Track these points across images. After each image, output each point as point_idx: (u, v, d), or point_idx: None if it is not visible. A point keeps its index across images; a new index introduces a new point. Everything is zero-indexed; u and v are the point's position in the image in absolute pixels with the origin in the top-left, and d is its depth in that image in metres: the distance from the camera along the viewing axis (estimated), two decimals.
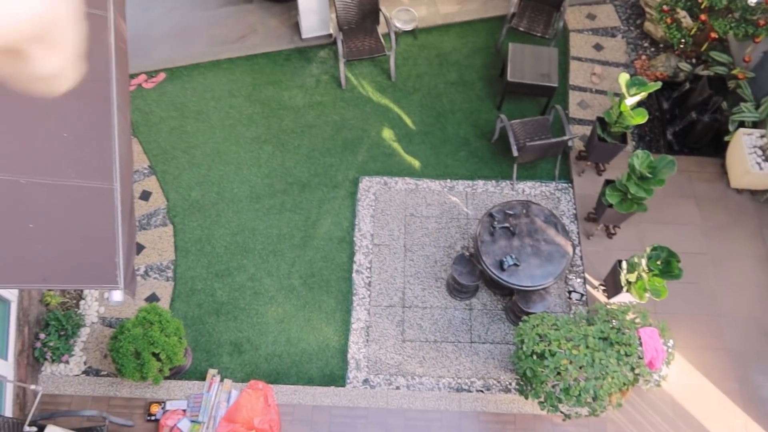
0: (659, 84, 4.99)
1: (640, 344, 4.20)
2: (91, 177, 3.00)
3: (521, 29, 6.21)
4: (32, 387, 4.14)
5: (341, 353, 5.08)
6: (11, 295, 4.58)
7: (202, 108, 6.17)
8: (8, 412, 4.40)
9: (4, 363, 4.40)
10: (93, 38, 3.33)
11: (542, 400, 4.25)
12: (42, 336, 4.85)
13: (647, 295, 4.64)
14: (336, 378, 4.99)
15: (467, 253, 5.15)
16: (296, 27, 6.60)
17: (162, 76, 6.33)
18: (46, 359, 4.86)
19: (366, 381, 4.97)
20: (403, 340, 5.14)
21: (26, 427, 4.07)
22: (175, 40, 6.56)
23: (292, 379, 4.98)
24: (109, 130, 3.15)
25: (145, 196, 5.70)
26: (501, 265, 4.80)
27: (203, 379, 4.92)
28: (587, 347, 4.11)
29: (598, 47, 6.62)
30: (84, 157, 3.03)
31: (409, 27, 6.56)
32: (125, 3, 3.77)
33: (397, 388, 4.95)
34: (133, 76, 6.27)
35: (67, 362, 4.92)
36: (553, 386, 4.23)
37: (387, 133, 6.09)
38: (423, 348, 5.11)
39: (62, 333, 4.92)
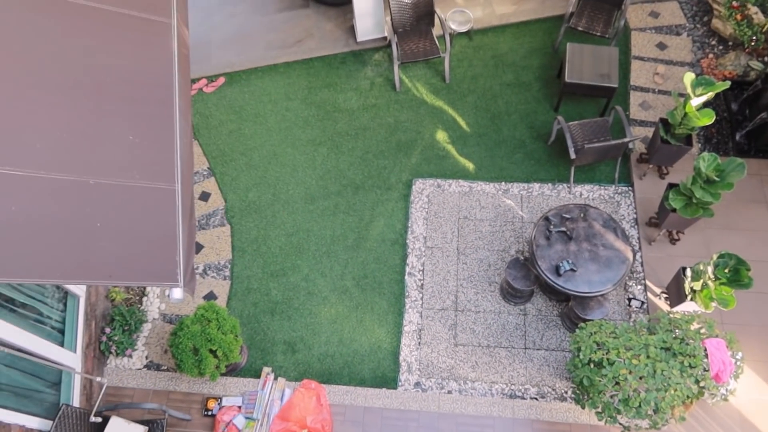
0: (728, 83, 4.76)
1: (706, 356, 4.01)
2: (154, 178, 3.11)
3: (580, 29, 6.05)
4: (98, 379, 4.34)
5: (393, 355, 5.08)
6: (80, 290, 4.81)
7: (260, 111, 6.31)
8: (76, 402, 4.61)
9: (73, 355, 4.62)
10: (157, 44, 3.46)
11: (600, 410, 4.11)
12: (107, 330, 5.06)
13: (713, 304, 4.42)
14: (387, 380, 4.99)
15: (522, 257, 5.05)
16: (351, 30, 6.66)
17: (222, 80, 6.51)
18: (110, 353, 5.08)
19: (417, 384, 4.95)
20: (456, 344, 5.09)
21: (92, 417, 4.27)
22: (234, 45, 6.74)
23: (344, 379, 5.01)
24: (172, 132, 3.27)
25: (205, 196, 5.88)
26: (557, 270, 4.68)
27: (258, 376, 5.02)
28: (648, 357, 3.96)
29: (661, 46, 6.38)
30: (148, 159, 3.15)
31: (464, 28, 6.51)
32: (188, 10, 3.90)
33: (449, 392, 4.91)
34: (194, 81, 6.49)
35: (130, 356, 5.12)
36: (612, 396, 4.08)
37: (441, 135, 6.05)
38: (476, 352, 5.05)
39: (126, 328, 5.12)
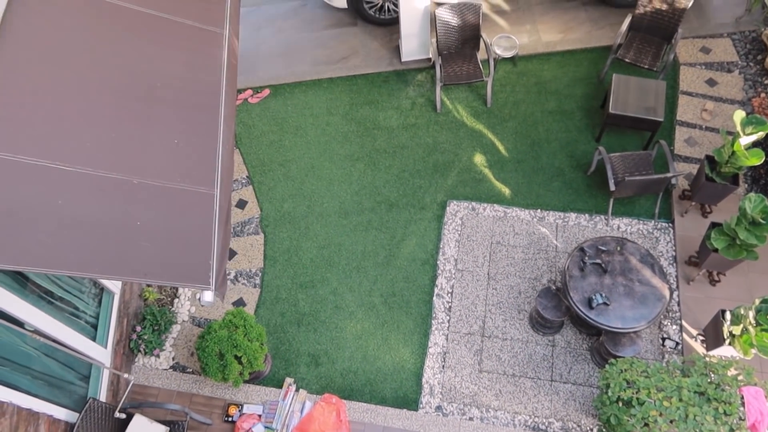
0: None
1: (743, 404, 3.85)
2: (195, 182, 3.19)
3: (627, 60, 5.99)
4: (125, 376, 4.41)
5: (416, 376, 5.03)
6: (115, 287, 4.93)
7: (301, 124, 6.41)
8: (102, 396, 4.70)
9: (103, 351, 4.72)
10: (208, 53, 3.57)
11: None
12: (138, 329, 5.16)
13: (753, 351, 4.26)
14: (409, 401, 4.94)
15: (554, 287, 4.96)
16: (396, 50, 6.74)
17: (266, 92, 6.65)
18: (139, 351, 5.17)
19: (439, 408, 4.88)
20: (480, 371, 5.01)
21: (117, 413, 4.33)
22: (281, 58, 6.89)
23: (365, 396, 4.98)
24: (215, 139, 3.35)
25: (241, 204, 5.98)
26: (589, 303, 4.58)
27: (280, 386, 5.03)
28: (680, 400, 3.82)
29: (711, 82, 6.25)
30: (190, 163, 3.23)
31: (509, 54, 6.52)
32: (239, 23, 4.01)
33: (471, 419, 4.82)
34: (240, 91, 6.64)
35: (157, 356, 5.20)
36: None
37: (478, 159, 6.04)
38: (500, 380, 4.96)
39: (156, 328, 5.21)
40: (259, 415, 4.83)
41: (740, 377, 4.01)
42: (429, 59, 6.63)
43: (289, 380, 5.02)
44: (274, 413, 4.82)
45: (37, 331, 3.93)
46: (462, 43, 6.20)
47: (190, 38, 3.55)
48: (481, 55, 6.30)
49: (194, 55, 3.52)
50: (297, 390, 4.97)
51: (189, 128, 3.31)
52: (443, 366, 5.05)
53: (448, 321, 5.24)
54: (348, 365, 5.12)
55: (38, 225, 2.73)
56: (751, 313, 4.20)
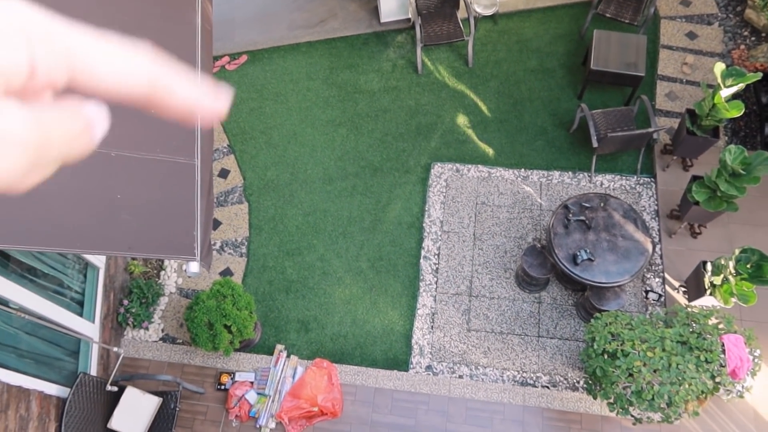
0: (759, 75, 4.63)
1: (723, 351, 3.96)
2: (174, 153, 3.13)
3: (608, 15, 5.93)
4: (115, 349, 4.41)
5: (405, 338, 5.09)
6: (99, 262, 4.89)
7: (281, 90, 6.30)
8: (93, 371, 4.71)
9: (91, 325, 4.71)
10: (181, 20, 3.46)
11: (612, 401, 4.09)
12: (125, 302, 5.14)
13: (733, 300, 4.35)
14: (399, 362, 5.01)
15: (539, 245, 5.01)
16: (375, 11, 6.60)
17: (244, 58, 6.51)
18: (128, 324, 5.16)
19: (429, 367, 4.97)
20: (469, 329, 5.09)
21: (108, 386, 4.35)
22: (257, 23, 6.72)
23: (356, 360, 5.05)
24: None
25: (224, 174, 5.91)
26: (574, 259, 4.64)
27: (271, 353, 5.07)
28: (663, 350, 3.92)
29: (691, 35, 6.23)
30: (168, 134, 3.16)
31: (489, 12, 6.41)
32: None
33: (460, 377, 4.92)
34: (216, 58, 6.49)
35: (146, 328, 5.20)
36: (624, 388, 4.06)
37: (461, 120, 6.00)
38: (488, 338, 5.04)
39: (143, 301, 5.20)
40: (252, 382, 4.88)
41: (721, 326, 4.12)
42: (408, 20, 6.51)
43: (279, 347, 5.06)
44: (266, 380, 4.87)
45: (22, 309, 3.90)
46: (441, 1, 6.09)
47: (160, 4, 3.44)
48: (461, 13, 6.20)
49: (166, 22, 3.41)
50: (288, 356, 5.02)
51: None
52: (432, 326, 5.12)
53: (436, 282, 5.28)
54: (338, 330, 5.17)
55: (14, 202, 2.67)
56: (731, 263, 4.28)
